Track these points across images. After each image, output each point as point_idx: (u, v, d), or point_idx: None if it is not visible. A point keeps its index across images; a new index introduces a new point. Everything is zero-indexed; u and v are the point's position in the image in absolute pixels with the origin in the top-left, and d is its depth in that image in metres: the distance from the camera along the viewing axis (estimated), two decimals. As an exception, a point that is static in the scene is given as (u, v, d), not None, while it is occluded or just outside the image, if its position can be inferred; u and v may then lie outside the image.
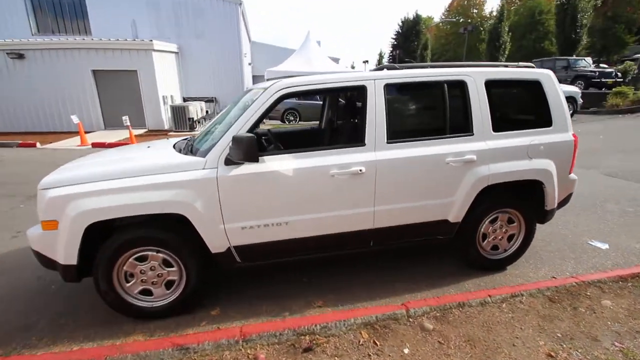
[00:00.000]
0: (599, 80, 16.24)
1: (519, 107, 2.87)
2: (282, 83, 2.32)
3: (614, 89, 13.95)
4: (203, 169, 2.20)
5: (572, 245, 3.46)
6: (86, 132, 11.88)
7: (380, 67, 2.62)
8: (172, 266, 2.32)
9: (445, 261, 3.14)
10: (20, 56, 12.39)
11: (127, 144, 8.79)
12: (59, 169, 2.49)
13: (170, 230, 2.24)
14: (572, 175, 2.96)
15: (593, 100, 13.93)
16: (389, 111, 2.42)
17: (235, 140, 2.06)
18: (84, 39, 13.52)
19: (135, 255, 2.26)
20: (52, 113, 13.06)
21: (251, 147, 2.04)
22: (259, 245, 2.36)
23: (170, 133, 12.19)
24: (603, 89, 15.57)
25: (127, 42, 12.78)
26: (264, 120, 15.60)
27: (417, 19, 39.04)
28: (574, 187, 3.04)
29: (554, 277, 2.86)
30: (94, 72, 12.92)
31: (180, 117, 12.64)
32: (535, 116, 2.81)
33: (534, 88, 2.76)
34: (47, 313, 2.53)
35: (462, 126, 2.58)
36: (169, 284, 2.36)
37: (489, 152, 2.57)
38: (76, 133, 10.72)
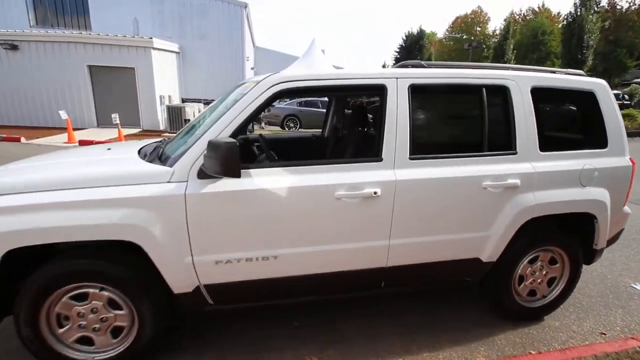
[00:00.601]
0: (606, 101, 15.91)
1: (569, 123, 2.37)
2: (278, 76, 1.80)
3: (621, 112, 13.61)
4: (168, 182, 1.65)
5: (614, 288, 2.92)
6: (77, 129, 11.41)
7: (402, 63, 2.11)
8: (121, 308, 1.75)
9: (466, 305, 2.58)
10: (14, 47, 11.93)
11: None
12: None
13: (118, 262, 1.68)
14: (626, 208, 2.45)
15: (601, 121, 13.57)
16: (413, 119, 1.90)
17: (212, 146, 1.53)
18: (81, 33, 13.09)
19: (72, 293, 1.69)
20: (43, 107, 12.55)
21: (231, 157, 1.50)
22: (238, 284, 1.81)
23: (165, 134, 11.65)
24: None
25: (126, 39, 12.34)
26: (263, 126, 15.04)
27: (421, 33, 39.14)
28: (626, 221, 2.53)
29: (603, 334, 2.31)
30: (90, 67, 12.47)
31: (177, 118, 12.12)
32: (588, 134, 2.30)
33: (587, 100, 2.26)
34: (-38, 357, 1.95)
35: (502, 142, 2.06)
36: (116, 331, 1.79)
37: (535, 177, 2.05)
38: (66, 129, 10.16)
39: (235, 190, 1.67)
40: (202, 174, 1.65)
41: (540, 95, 2.12)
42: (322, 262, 1.88)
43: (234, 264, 1.75)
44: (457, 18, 45.72)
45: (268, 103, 1.77)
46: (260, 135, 2.70)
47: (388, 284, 2.06)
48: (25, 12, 16.19)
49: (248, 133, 3.19)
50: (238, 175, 1.56)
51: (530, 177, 2.04)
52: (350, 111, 3.33)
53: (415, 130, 1.90)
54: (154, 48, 12.55)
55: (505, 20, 34.63)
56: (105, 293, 1.72)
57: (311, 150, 3.20)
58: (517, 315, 2.37)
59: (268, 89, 1.76)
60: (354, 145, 2.49)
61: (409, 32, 39.05)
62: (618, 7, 33.38)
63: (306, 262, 1.85)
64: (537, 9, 40.58)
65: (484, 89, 2.02)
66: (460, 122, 2.18)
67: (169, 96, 13.89)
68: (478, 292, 2.61)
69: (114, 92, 12.73)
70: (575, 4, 22.21)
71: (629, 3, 33.80)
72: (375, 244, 1.90)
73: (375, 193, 1.80)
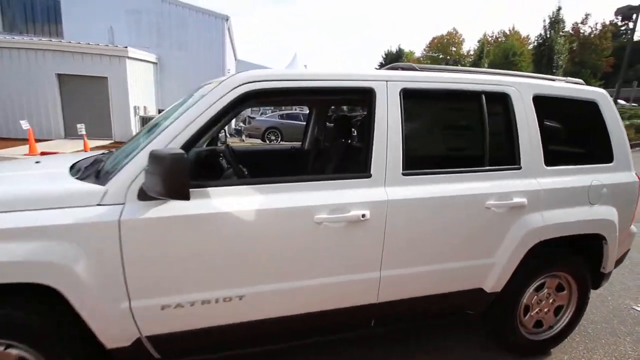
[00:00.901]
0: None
1: (573, 135, 2.18)
2: (246, 75, 1.48)
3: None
4: (98, 204, 1.28)
5: (617, 312, 2.73)
6: (43, 140, 10.70)
7: (392, 65, 1.85)
8: (35, 371, 1.33)
9: (462, 340, 2.28)
10: (-24, 54, 11.15)
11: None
12: None
13: (30, 311, 1.28)
14: (633, 228, 2.26)
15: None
16: (406, 128, 1.63)
17: (153, 158, 1.18)
18: (50, 40, 12.44)
19: (-36, 353, 1.27)
20: (7, 117, 11.74)
21: (177, 173, 1.16)
22: (193, 333, 1.43)
23: (138, 146, 11.01)
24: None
25: (98, 47, 11.81)
26: (244, 139, 14.55)
27: (400, 52, 40.43)
28: (632, 242, 2.34)
29: (617, 369, 2.07)
30: (59, 76, 11.82)
31: (151, 130, 11.55)
32: (593, 148, 2.11)
33: (590, 111, 2.07)
34: None
35: (505, 156, 1.82)
36: (28, 400, 1.36)
37: (542, 195, 1.81)
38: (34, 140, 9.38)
39: (187, 215, 1.32)
40: (144, 195, 1.29)
41: (542, 104, 1.91)
42: (299, 301, 1.53)
43: (186, 309, 1.37)
44: (434, 38, 47.53)
45: (232, 107, 1.44)
46: (227, 146, 2.35)
47: (379, 322, 1.73)
48: (-8, 19, 15.39)
49: (220, 144, 2.83)
50: (186, 197, 1.21)
51: (537, 194, 1.80)
52: (332, 124, 3.06)
53: (408, 142, 1.63)
54: (128, 57, 12.05)
55: (479, 41, 36.15)
56: (14, 351, 1.30)
57: (289, 164, 2.88)
58: (523, 350, 2.10)
59: (232, 89, 1.43)
60: (338, 158, 2.19)
61: (388, 50, 40.32)
62: (581, 31, 35.80)
63: (279, 302, 1.50)
64: (507, 32, 42.76)
65: (483, 96, 1.79)
66: (458, 133, 1.93)
67: (145, 107, 13.33)
68: (474, 323, 2.32)
69: (85, 102, 12.09)
70: (544, 26, 23.51)
71: (591, 28, 36.33)
72: (364, 277, 1.58)
73: (363, 216, 1.49)
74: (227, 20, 15.88)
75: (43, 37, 15.24)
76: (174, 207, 1.30)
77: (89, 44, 11.83)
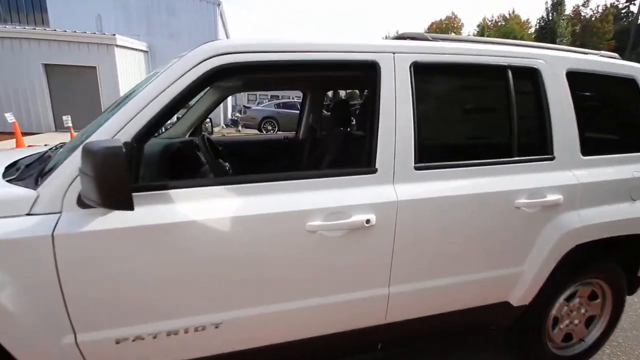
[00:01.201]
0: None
1: (610, 118, 1.88)
2: (218, 44, 1.17)
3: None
4: (27, 214, 0.99)
5: (645, 315, 2.48)
6: (32, 134, 10.38)
7: (400, 35, 1.54)
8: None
9: (471, 355, 2.03)
10: (-44, 44, 10.68)
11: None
12: None
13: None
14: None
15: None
16: (419, 112, 1.32)
17: (85, 153, 0.88)
18: (34, 29, 11.93)
19: None
20: (-9, 110, 11.29)
21: (111, 174, 0.85)
22: (158, 369, 1.16)
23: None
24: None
25: (86, 35, 11.33)
26: (240, 129, 14.15)
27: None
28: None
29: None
30: (46, 66, 11.38)
31: (143, 121, 11.17)
32: (631, 133, 1.81)
33: (628, 90, 1.77)
34: None
35: (535, 143, 1.52)
36: None
37: (579, 189, 1.52)
38: (22, 134, 9.03)
39: (142, 226, 1.02)
40: (85, 202, 0.99)
41: (576, 81, 1.60)
42: (289, 326, 1.26)
43: (148, 342, 1.10)
44: (432, 23, 46.49)
45: (200, 86, 1.13)
46: (203, 136, 2.02)
47: (386, 345, 1.46)
48: (-28, 7, 14.81)
49: (206, 133, 2.51)
50: (126, 205, 0.91)
51: (574, 190, 1.51)
52: (329, 112, 2.75)
53: (421, 128, 1.33)
54: (117, 45, 11.59)
55: (478, 26, 35.32)
56: None
57: (282, 156, 2.58)
58: (549, 367, 1.84)
59: (200, 63, 1.12)
60: (337, 149, 1.89)
61: (386, 37, 39.49)
62: (583, 14, 35.01)
63: (264, 328, 1.22)
64: (507, 16, 41.75)
65: (509, 71, 1.48)
66: (480, 117, 1.62)
67: (136, 97, 12.91)
68: (491, 337, 2.07)
69: (74, 93, 11.70)
70: (547, 8, 22.89)
71: (592, 11, 35.49)
72: (369, 295, 1.30)
73: (367, 222, 1.20)
74: (219, 5, 15.30)
75: (28, 25, 14.68)
76: (125, 216, 1.00)
77: (75, 32, 11.35)
